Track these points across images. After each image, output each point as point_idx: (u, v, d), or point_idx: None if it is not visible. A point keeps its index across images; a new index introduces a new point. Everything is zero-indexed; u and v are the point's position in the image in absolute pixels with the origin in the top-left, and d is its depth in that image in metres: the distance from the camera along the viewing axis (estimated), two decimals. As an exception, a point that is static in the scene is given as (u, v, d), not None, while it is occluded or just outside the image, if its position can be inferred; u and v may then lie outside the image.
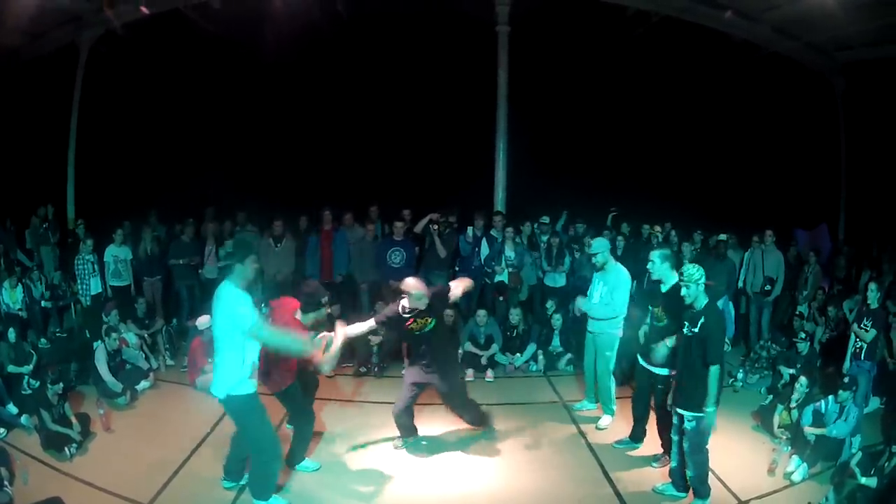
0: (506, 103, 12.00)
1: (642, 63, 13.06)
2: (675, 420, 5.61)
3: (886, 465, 5.56)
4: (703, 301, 5.36)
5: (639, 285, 8.60)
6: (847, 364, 7.64)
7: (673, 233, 10.37)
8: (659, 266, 6.13)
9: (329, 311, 5.96)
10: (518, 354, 9.17)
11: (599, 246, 7.19)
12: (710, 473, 5.60)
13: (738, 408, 7.61)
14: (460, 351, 8.75)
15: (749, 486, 5.95)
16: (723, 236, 9.60)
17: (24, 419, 6.82)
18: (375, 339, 8.78)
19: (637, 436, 6.71)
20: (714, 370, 5.23)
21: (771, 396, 7.74)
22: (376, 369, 8.85)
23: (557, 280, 10.09)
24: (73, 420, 6.68)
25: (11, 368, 7.71)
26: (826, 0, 9.83)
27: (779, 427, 6.91)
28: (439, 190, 12.39)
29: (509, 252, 9.97)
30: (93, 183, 12.74)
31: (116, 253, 9.90)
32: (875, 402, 7.69)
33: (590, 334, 7.37)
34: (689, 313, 5.42)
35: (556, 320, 9.22)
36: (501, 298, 10.01)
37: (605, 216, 11.11)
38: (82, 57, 12.33)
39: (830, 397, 6.60)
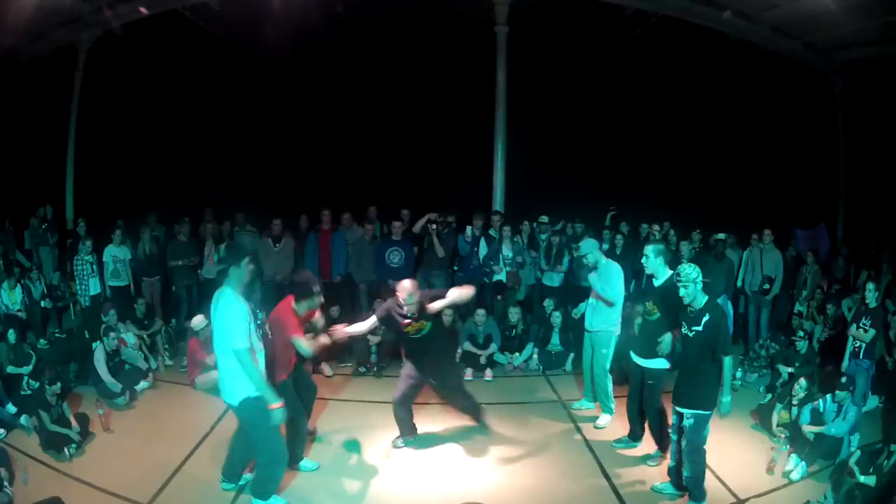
0: (504, 103, 11.97)
1: (641, 63, 13.06)
2: (674, 419, 5.62)
3: (885, 463, 5.57)
4: (702, 299, 5.33)
5: (637, 284, 8.61)
6: (846, 363, 7.64)
7: (671, 232, 10.37)
8: (653, 260, 6.16)
9: (320, 298, 5.97)
10: (517, 354, 9.19)
11: (588, 247, 7.23)
12: (709, 472, 5.62)
13: (736, 406, 7.44)
14: (459, 350, 8.77)
15: (748, 484, 5.96)
16: (721, 235, 9.61)
17: (23, 420, 6.82)
18: (374, 339, 8.80)
19: (636, 434, 6.72)
20: (728, 360, 5.27)
21: (770, 395, 7.76)
22: (375, 369, 8.86)
23: (555, 279, 10.10)
24: (73, 420, 6.68)
25: (11, 369, 7.71)
26: (825, 0, 9.84)
27: (777, 426, 6.93)
28: (438, 190, 12.39)
29: (507, 252, 9.98)
30: (92, 184, 12.74)
31: (115, 253, 9.87)
32: (874, 401, 7.71)
33: (587, 333, 7.40)
34: (688, 313, 5.39)
35: (556, 319, 9.24)
36: (500, 298, 10.02)
37: (603, 216, 11.11)
38: (81, 58, 12.33)
39: (829, 396, 6.63)
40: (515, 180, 12.31)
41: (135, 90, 13.18)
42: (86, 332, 9.12)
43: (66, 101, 12.46)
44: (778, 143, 13.45)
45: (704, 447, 5.41)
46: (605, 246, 9.85)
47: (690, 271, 5.30)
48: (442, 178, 13.07)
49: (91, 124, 12.70)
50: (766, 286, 9.75)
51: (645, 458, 6.46)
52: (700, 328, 5.26)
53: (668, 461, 5.96)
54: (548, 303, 9.54)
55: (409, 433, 6.72)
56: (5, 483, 5.49)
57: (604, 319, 7.17)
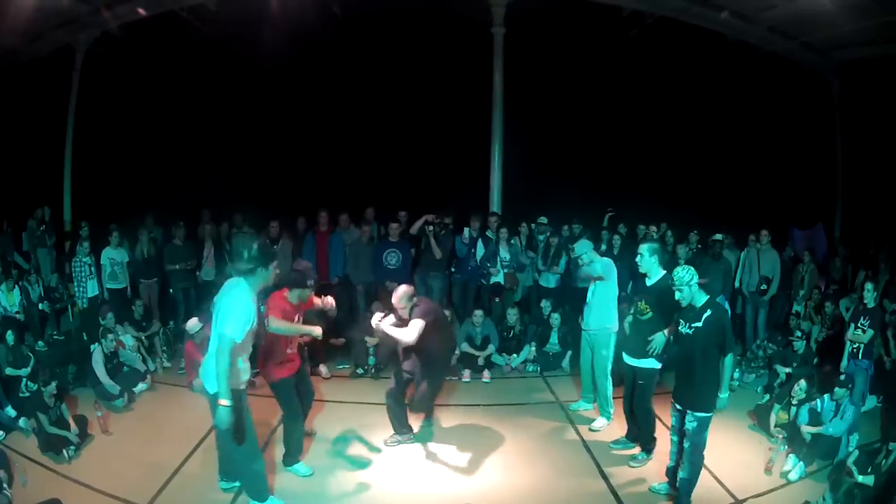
0: (501, 104, 11.99)
1: (638, 64, 13.08)
2: (674, 420, 5.61)
3: (884, 462, 5.58)
4: (701, 299, 5.33)
5: (635, 285, 8.62)
6: (845, 363, 7.64)
7: (669, 233, 10.40)
8: (647, 259, 6.20)
9: (312, 292, 6.04)
10: (515, 355, 9.19)
11: (582, 248, 7.25)
12: (707, 473, 5.63)
13: (734, 407, 7.51)
14: (457, 352, 8.78)
15: (746, 485, 5.97)
16: (719, 236, 9.62)
17: (22, 422, 6.80)
18: (372, 341, 8.79)
19: (634, 435, 6.71)
20: (729, 358, 5.31)
21: (767, 396, 7.77)
22: (373, 371, 8.86)
23: (551, 280, 10.12)
24: (71, 422, 6.67)
25: (9, 371, 7.69)
26: (822, 0, 9.85)
27: (775, 426, 6.93)
28: (435, 191, 12.38)
29: (503, 253, 9.99)
30: (89, 185, 12.72)
31: (113, 255, 9.85)
32: (872, 401, 7.73)
33: (585, 332, 7.39)
34: (688, 312, 5.39)
35: (555, 320, 9.25)
36: (497, 300, 10.03)
37: (601, 216, 11.12)
38: (78, 59, 12.32)
39: (826, 396, 6.64)
40: (512, 181, 12.33)
41: (132, 91, 13.17)
42: (84, 333, 9.10)
43: (64, 101, 12.44)
44: (775, 143, 13.48)
45: (704, 450, 5.42)
46: (603, 247, 9.88)
47: (684, 275, 5.30)
48: (439, 180, 13.08)
49: (89, 125, 12.69)
50: (764, 287, 9.76)
51: (630, 459, 6.46)
52: (700, 324, 5.24)
53: (651, 460, 6.05)
54: (545, 304, 9.56)
55: (402, 431, 6.74)
56: (4, 485, 5.48)
57: (600, 317, 7.16)
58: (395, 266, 9.60)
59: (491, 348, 8.98)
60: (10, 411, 6.92)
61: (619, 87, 13.37)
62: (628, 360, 6.41)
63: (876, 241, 11.46)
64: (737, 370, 8.65)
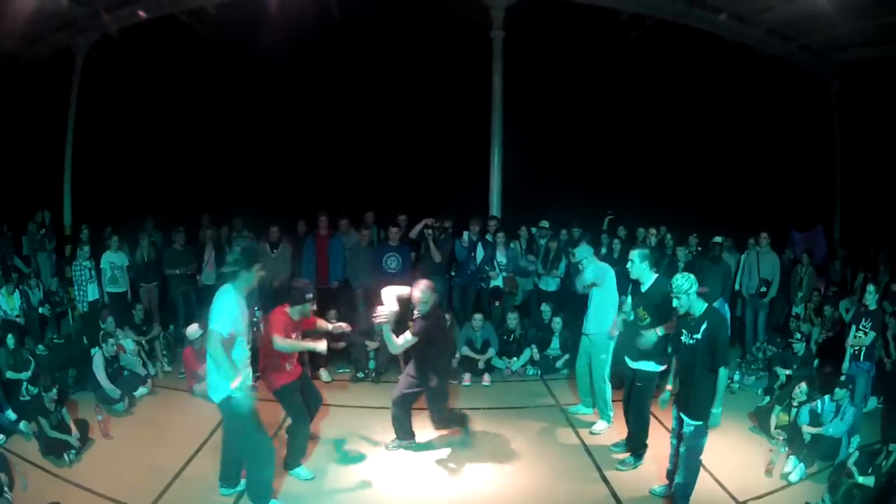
0: (500, 108, 11.98)
1: (637, 67, 13.10)
2: (674, 424, 5.61)
3: (884, 463, 5.59)
4: (700, 307, 5.28)
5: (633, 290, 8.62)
6: (846, 364, 7.63)
7: (668, 236, 10.40)
8: (638, 265, 6.19)
9: (312, 306, 6.05)
10: (515, 358, 9.19)
11: (582, 253, 7.29)
12: (708, 475, 5.63)
13: (734, 409, 7.62)
14: (457, 356, 8.77)
15: (746, 486, 5.98)
16: (718, 239, 9.61)
17: (22, 425, 6.81)
18: (372, 345, 8.79)
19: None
20: (722, 372, 5.20)
21: (767, 398, 7.77)
22: (373, 374, 8.86)
23: (551, 284, 10.12)
24: (72, 426, 6.67)
25: (10, 375, 7.69)
26: (820, 1, 9.88)
27: (776, 428, 6.93)
28: (435, 195, 12.37)
29: (501, 257, 9.99)
30: (90, 188, 12.73)
31: (113, 259, 9.83)
32: (872, 402, 7.74)
33: (584, 336, 7.37)
34: (687, 321, 5.35)
35: (556, 324, 9.25)
36: (497, 304, 10.02)
37: (601, 220, 11.13)
38: (78, 62, 12.33)
39: (826, 397, 6.65)
40: (512, 185, 12.33)
41: (132, 94, 13.19)
42: (84, 337, 9.10)
43: (64, 105, 12.45)
44: (774, 145, 13.51)
45: (701, 456, 5.40)
46: (603, 250, 9.87)
47: (683, 282, 5.25)
48: (439, 183, 13.09)
49: (89, 129, 12.70)
50: (763, 289, 9.76)
51: (619, 463, 6.46)
52: (699, 336, 5.21)
53: (643, 464, 6.05)
54: (545, 308, 9.54)
55: (405, 437, 6.73)
56: (5, 489, 5.49)
57: (598, 322, 7.15)
58: (395, 270, 9.57)
59: (491, 352, 8.98)
60: (11, 415, 6.92)
61: (619, 90, 13.39)
62: (629, 362, 6.40)
63: (875, 243, 11.46)
64: (737, 372, 8.68)
